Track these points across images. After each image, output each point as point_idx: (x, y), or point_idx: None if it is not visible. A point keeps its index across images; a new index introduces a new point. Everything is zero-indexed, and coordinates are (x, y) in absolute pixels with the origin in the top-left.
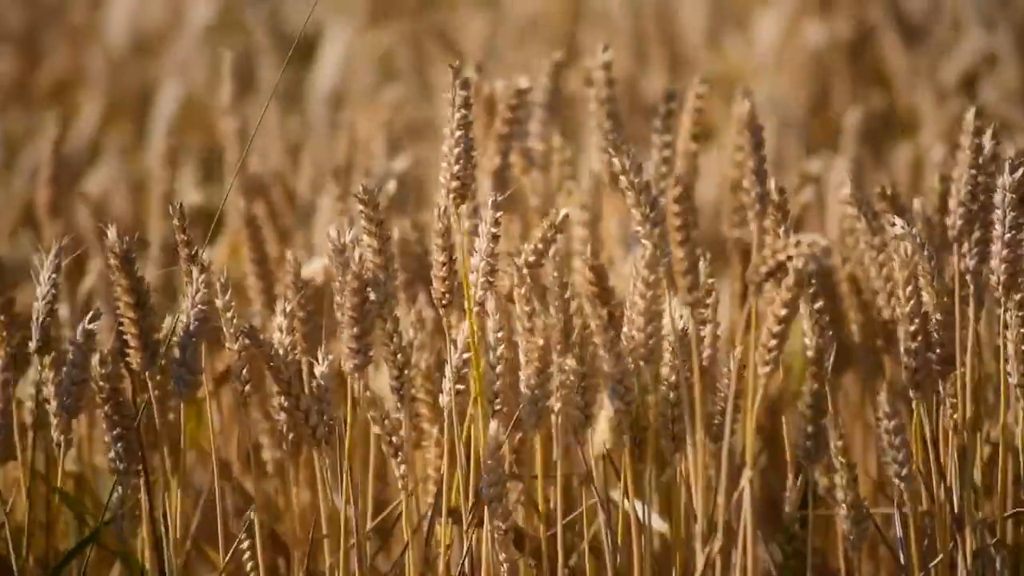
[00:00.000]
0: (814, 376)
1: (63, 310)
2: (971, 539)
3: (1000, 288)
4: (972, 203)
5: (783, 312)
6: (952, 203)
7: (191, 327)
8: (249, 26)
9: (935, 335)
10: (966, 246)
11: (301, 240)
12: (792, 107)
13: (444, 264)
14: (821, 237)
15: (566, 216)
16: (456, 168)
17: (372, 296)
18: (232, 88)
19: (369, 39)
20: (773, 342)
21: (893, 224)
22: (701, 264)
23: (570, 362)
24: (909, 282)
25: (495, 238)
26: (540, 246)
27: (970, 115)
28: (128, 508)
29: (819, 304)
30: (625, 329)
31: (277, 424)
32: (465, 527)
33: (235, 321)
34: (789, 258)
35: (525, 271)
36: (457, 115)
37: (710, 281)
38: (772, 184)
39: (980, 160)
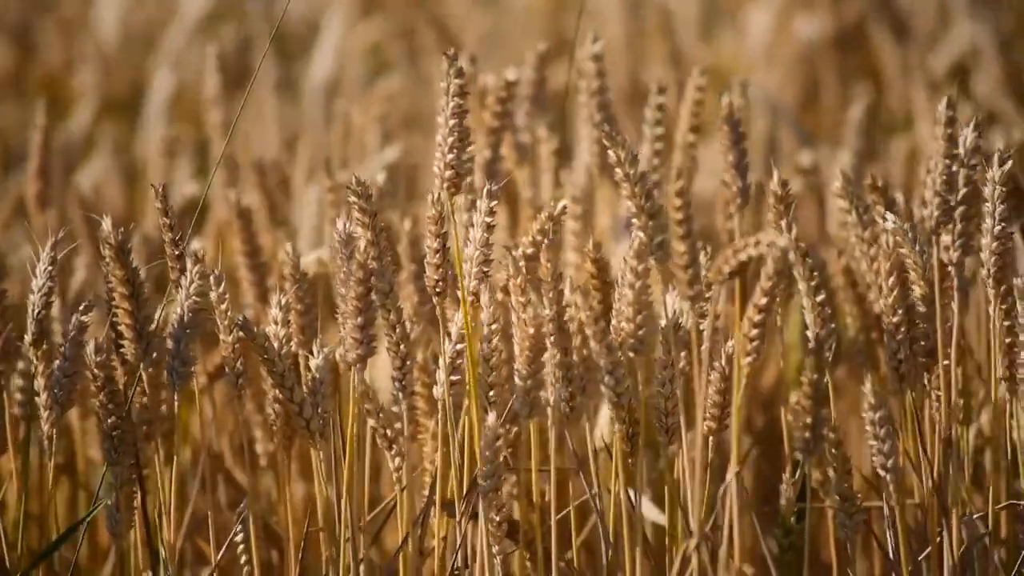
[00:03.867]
0: (814, 367)
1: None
2: (958, 530)
3: (990, 281)
4: (949, 193)
5: (763, 301)
6: (928, 194)
7: (185, 319)
8: (244, 17)
9: (920, 327)
10: (946, 238)
11: (285, 231)
12: (783, 100)
13: (438, 251)
14: (781, 236)
15: (564, 208)
16: (450, 157)
17: (376, 287)
18: (219, 79)
19: (365, 30)
20: (755, 331)
21: (884, 218)
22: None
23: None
24: (892, 273)
25: (490, 228)
26: (538, 237)
27: (942, 105)
28: (122, 500)
29: (822, 296)
30: (615, 321)
31: (270, 417)
32: (459, 519)
33: (229, 313)
34: (749, 258)
35: (522, 263)
36: (451, 104)
37: (710, 275)
38: (775, 176)
39: (955, 150)
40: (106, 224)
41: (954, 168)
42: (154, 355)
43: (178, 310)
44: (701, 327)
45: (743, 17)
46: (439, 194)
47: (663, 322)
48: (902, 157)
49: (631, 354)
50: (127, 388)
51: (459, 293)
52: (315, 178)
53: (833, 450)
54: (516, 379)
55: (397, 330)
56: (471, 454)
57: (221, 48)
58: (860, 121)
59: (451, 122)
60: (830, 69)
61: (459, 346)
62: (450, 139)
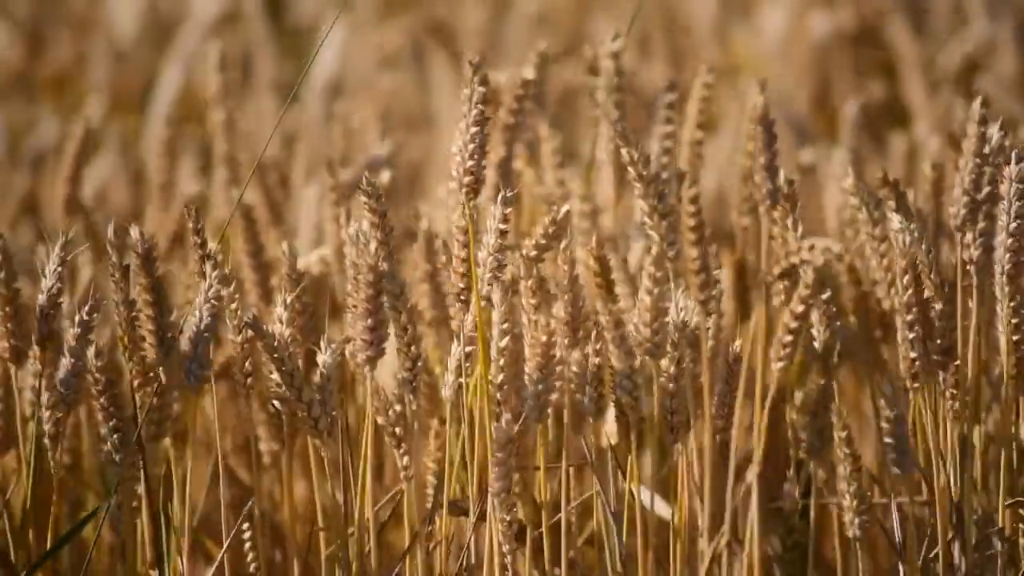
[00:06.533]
0: (820, 369)
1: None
2: (970, 528)
3: (1003, 277)
4: (976, 192)
5: (800, 309)
6: (956, 192)
7: (203, 322)
8: (255, 19)
9: (935, 325)
10: (968, 236)
11: (285, 230)
12: (796, 98)
13: (464, 260)
14: (834, 242)
15: (568, 213)
16: (470, 163)
17: (387, 288)
18: (221, 79)
19: (372, 34)
20: (789, 338)
21: (895, 216)
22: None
23: (577, 354)
24: (907, 272)
25: (503, 234)
26: (542, 241)
27: (976, 104)
28: (126, 499)
29: (827, 295)
30: (633, 323)
31: (274, 416)
32: (473, 520)
33: (238, 313)
34: (802, 261)
35: (525, 264)
36: (473, 111)
37: (715, 273)
38: (781, 174)
39: (985, 149)
40: (134, 232)
41: (984, 167)
42: (172, 359)
43: (196, 313)
44: (709, 326)
45: (758, 15)
46: (464, 204)
47: (671, 321)
48: (900, 155)
49: (647, 358)
50: (132, 389)
51: (471, 296)
52: (314, 177)
53: (845, 448)
54: (527, 383)
55: (408, 331)
56: (474, 455)
57: (227, 48)
58: (855, 119)
59: (472, 129)
60: (845, 66)
61: (468, 348)
62: (471, 146)
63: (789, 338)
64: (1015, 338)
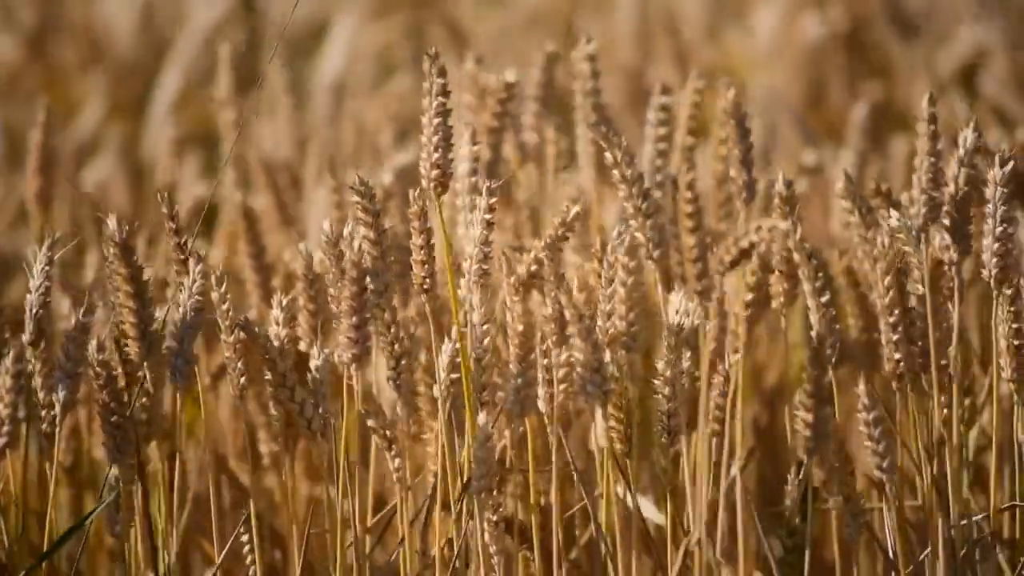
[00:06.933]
0: (815, 365)
1: (64, 302)
2: (957, 530)
3: (992, 282)
4: (935, 190)
5: (749, 296)
6: (915, 192)
7: (188, 317)
8: (254, 21)
9: (917, 326)
10: (947, 237)
11: (295, 231)
12: (790, 99)
13: (422, 248)
14: (781, 221)
15: (578, 214)
16: (435, 157)
17: (371, 287)
18: (230, 80)
19: (375, 31)
20: (741, 329)
21: (889, 217)
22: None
23: (566, 353)
24: (889, 272)
25: (489, 225)
26: (552, 243)
27: (924, 102)
28: (124, 499)
29: (826, 297)
30: (609, 318)
31: (272, 417)
32: (453, 518)
33: (231, 313)
34: (751, 245)
35: (535, 267)
36: (434, 104)
37: (716, 276)
38: (780, 176)
39: (938, 147)
40: (111, 222)
41: (940, 165)
42: (156, 354)
43: (181, 309)
44: (708, 326)
45: (751, 16)
46: (419, 191)
47: (666, 321)
48: (903, 157)
49: (624, 352)
50: (128, 387)
51: (450, 292)
52: (324, 178)
53: (835, 450)
54: (509, 378)
55: (391, 330)
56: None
57: (232, 49)
58: (863, 121)
59: (435, 121)
60: (838, 68)
61: (456, 345)
62: (435, 138)
63: (743, 328)
64: (1016, 343)
